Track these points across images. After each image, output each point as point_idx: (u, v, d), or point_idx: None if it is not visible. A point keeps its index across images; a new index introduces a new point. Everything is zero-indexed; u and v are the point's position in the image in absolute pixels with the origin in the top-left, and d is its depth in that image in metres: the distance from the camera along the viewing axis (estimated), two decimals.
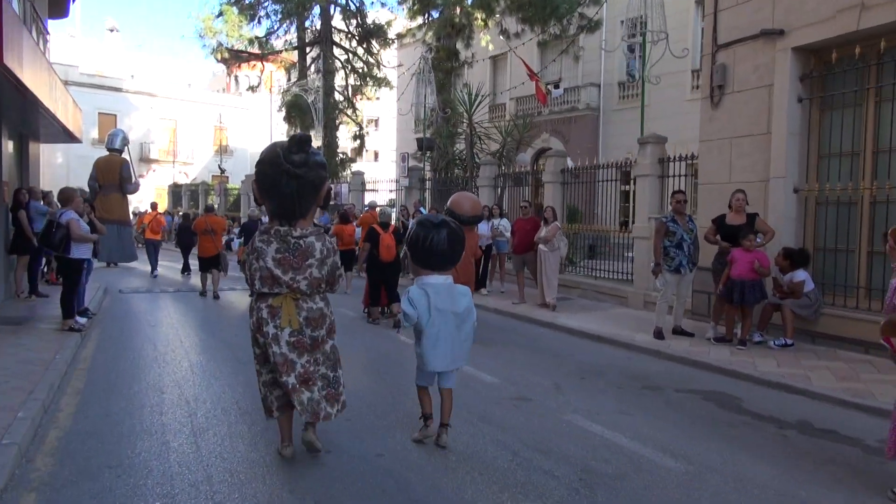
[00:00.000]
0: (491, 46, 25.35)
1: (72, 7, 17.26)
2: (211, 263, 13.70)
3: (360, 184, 21.15)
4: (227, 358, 7.78)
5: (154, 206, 20.43)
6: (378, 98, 30.74)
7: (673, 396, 6.51)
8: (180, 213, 30.12)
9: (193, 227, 14.63)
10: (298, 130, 27.37)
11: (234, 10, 25.22)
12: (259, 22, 26.54)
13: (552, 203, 13.41)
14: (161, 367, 7.36)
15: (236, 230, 21.88)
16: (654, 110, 25.18)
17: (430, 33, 23.62)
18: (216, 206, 32.59)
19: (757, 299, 8.17)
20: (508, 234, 13.78)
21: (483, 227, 13.46)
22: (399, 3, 23.90)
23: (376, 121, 46.45)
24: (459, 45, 22.74)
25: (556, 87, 28.45)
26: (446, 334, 4.56)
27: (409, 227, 4.75)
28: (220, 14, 25.09)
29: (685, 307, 9.23)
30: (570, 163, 21.71)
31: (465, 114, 19.94)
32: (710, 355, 7.92)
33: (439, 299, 4.53)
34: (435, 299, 4.51)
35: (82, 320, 9.41)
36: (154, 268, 17.64)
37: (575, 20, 21.78)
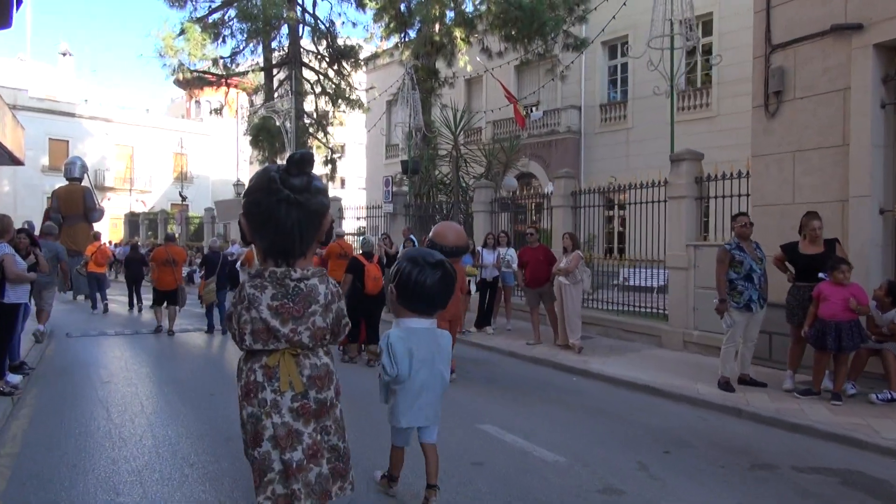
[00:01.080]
0: (469, 68, 23.96)
1: (18, 18, 15.26)
2: (169, 298, 12.17)
3: (337, 210, 19.33)
4: (202, 432, 5.92)
5: (97, 236, 18.26)
6: (344, 124, 29.05)
7: (800, 480, 4.89)
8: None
9: (152, 257, 12.90)
10: (266, 155, 25.51)
11: (197, 28, 23.37)
12: (223, 41, 24.75)
13: (564, 229, 11.87)
14: (117, 447, 5.47)
15: (198, 260, 19.92)
16: (639, 132, 24.09)
17: (408, 53, 22.15)
18: (176, 235, 30.41)
19: (856, 344, 6.64)
20: (515, 266, 12.17)
21: (488, 258, 11.84)
22: (374, 21, 22.39)
23: (342, 146, 44.69)
24: (440, 64, 21.27)
25: (535, 109, 27.18)
26: (430, 386, 3.99)
27: (399, 261, 4.04)
28: (182, 32, 23.20)
29: (753, 351, 7.67)
30: (551, 187, 20.38)
31: (450, 135, 18.36)
32: (806, 415, 6.34)
33: (422, 347, 3.94)
34: (418, 348, 3.90)
35: (15, 379, 7.46)
36: (95, 303, 15.68)
37: (560, 38, 20.50)
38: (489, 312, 11.94)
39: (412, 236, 14.10)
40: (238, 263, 18.22)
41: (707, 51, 22.33)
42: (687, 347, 9.54)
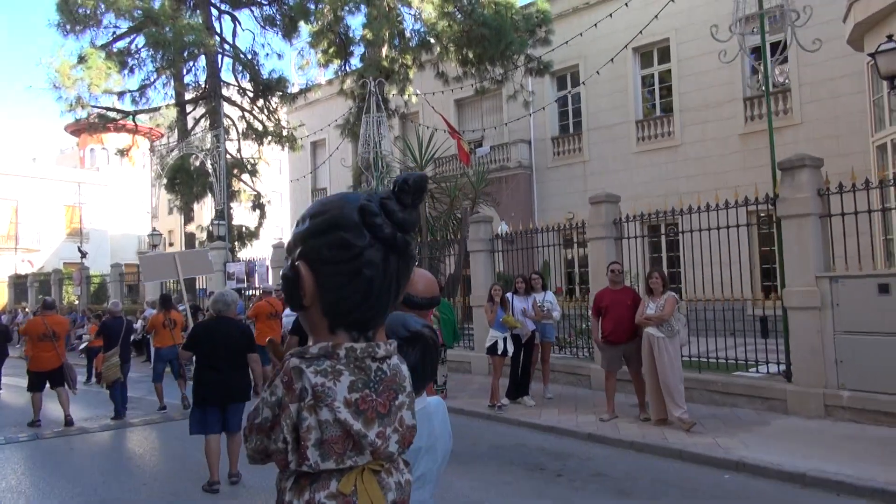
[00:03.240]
0: (414, 98, 21.40)
1: None
2: (52, 379, 9.31)
3: (284, 259, 16.02)
4: None
5: None
6: (269, 164, 25.71)
7: None
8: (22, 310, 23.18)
9: (23, 330, 9.93)
10: (185, 201, 21.79)
11: (100, 55, 19.67)
12: (131, 72, 21.09)
13: (604, 265, 9.30)
14: None
15: (82, 330, 16.04)
16: (595, 165, 22.16)
17: (349, 82, 19.40)
18: (74, 298, 25.77)
19: None
20: (557, 314, 9.43)
21: (519, 307, 9.04)
22: (312, 47, 19.44)
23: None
24: (389, 94, 18.59)
25: (480, 145, 24.85)
26: (432, 475, 2.39)
27: None
28: (82, 60, 19.42)
29: None
30: (504, 227, 18.27)
31: (416, 166, 15.61)
32: None
33: (422, 433, 2.18)
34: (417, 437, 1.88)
35: None
36: None
37: (522, 62, 18.33)
38: (525, 377, 9.10)
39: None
40: (139, 333, 14.66)
41: (665, 78, 20.82)
42: (831, 414, 7.06)
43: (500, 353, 8.72)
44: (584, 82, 18.42)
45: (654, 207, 10.16)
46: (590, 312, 8.31)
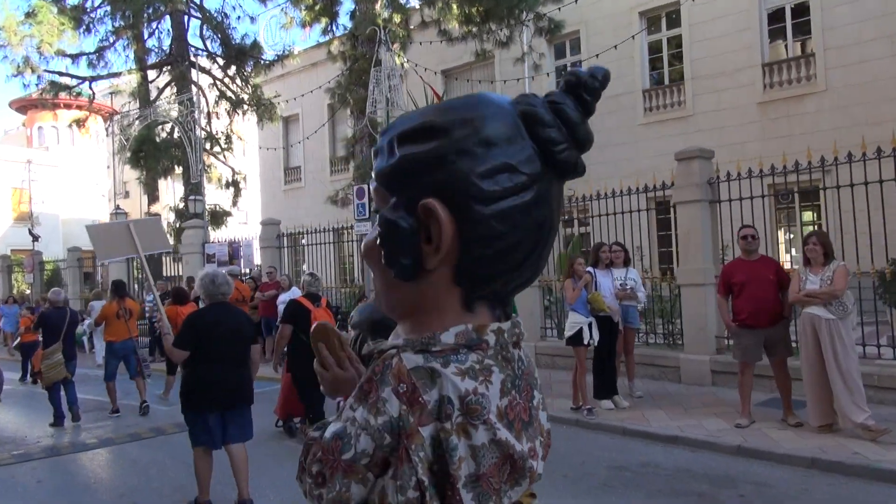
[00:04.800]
0: (406, 65, 19.29)
1: None
2: None
3: (275, 238, 13.80)
4: None
5: None
6: (243, 140, 23.30)
7: None
8: None
9: None
10: (151, 177, 19.29)
11: (52, 10, 17.01)
12: (88, 31, 18.41)
13: (695, 233, 7.55)
14: None
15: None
16: (598, 137, 19.61)
17: (337, 44, 17.24)
18: (26, 287, 23.01)
19: None
20: (643, 295, 7.64)
21: (606, 284, 7.22)
22: (294, 5, 17.13)
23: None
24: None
25: None
26: None
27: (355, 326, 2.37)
28: (32, 14, 16.73)
29: None
30: None
31: None
32: None
33: None
34: None
35: None
36: None
37: (532, 23, 16.44)
38: (613, 371, 7.27)
39: None
40: (87, 325, 12.69)
41: (677, 44, 19.22)
42: None
43: (585, 342, 6.87)
44: (598, 55, 16.64)
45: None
46: (716, 290, 6.47)
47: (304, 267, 14.65)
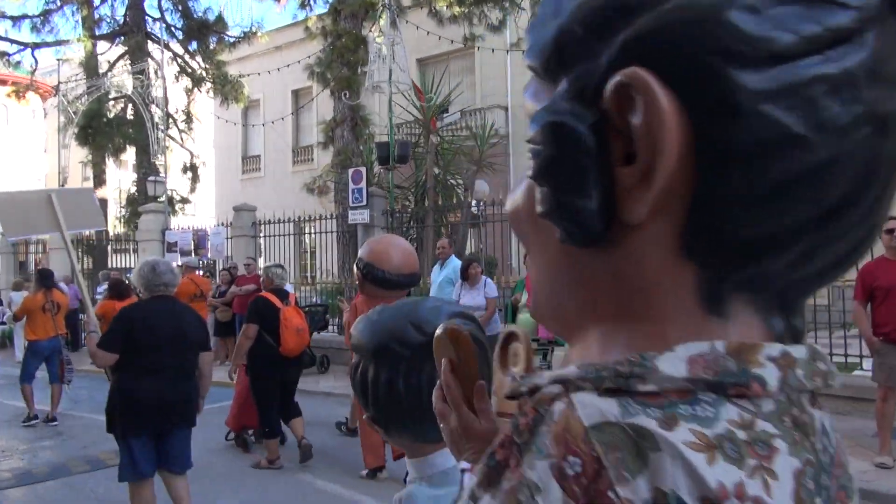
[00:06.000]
0: (384, 49, 17.90)
1: None
2: None
3: (250, 226, 12.12)
4: None
5: None
6: (201, 122, 21.43)
7: None
8: None
9: None
10: (97, 155, 17.24)
11: None
12: None
13: None
14: None
15: None
16: None
17: (314, 20, 15.75)
18: None
19: None
20: None
21: None
22: None
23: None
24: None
25: (446, 111, 21.62)
26: None
27: (358, 351, 1.24)
28: None
29: None
30: (483, 187, 14.82)
31: (423, 117, 12.27)
32: None
33: None
34: None
35: None
36: None
37: (528, 6, 15.29)
38: None
39: (452, 258, 7.80)
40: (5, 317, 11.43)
41: None
42: None
43: None
44: None
45: None
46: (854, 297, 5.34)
47: (261, 261, 13.15)
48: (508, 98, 20.93)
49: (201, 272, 11.60)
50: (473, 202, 12.95)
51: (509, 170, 20.59)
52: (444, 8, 15.56)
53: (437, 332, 0.84)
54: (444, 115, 21.03)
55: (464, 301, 7.08)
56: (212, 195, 27.49)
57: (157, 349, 3.79)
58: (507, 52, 17.17)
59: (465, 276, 7.13)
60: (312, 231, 11.90)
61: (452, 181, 13.02)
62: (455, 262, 7.65)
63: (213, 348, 12.02)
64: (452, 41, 18.40)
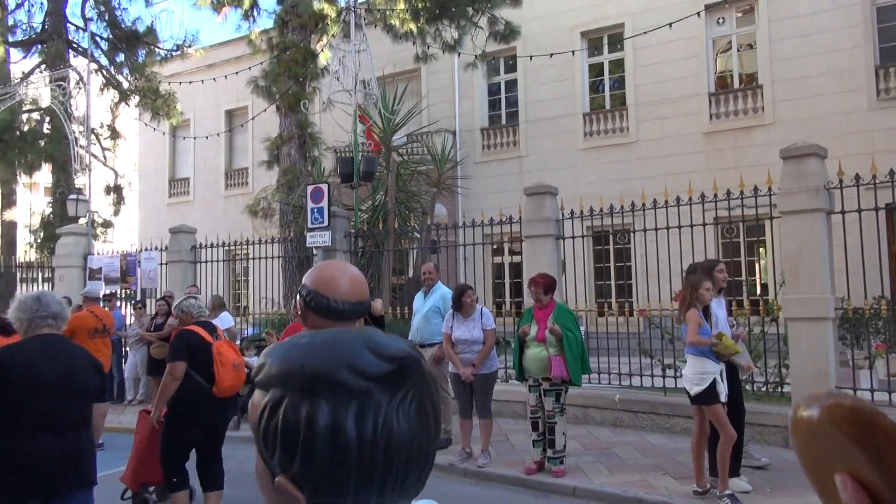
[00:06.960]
0: (329, 65, 16.87)
1: None
2: None
3: (188, 250, 10.64)
4: None
5: None
6: (126, 139, 19.74)
7: None
8: None
9: None
10: (7, 171, 15.33)
11: None
12: None
13: (805, 248, 5.81)
14: None
15: None
16: (534, 161, 18.88)
17: (256, 33, 14.61)
18: None
19: None
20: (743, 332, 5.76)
21: (722, 318, 5.28)
22: None
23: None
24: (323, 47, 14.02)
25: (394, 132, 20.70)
26: None
27: (264, 383, 0.77)
28: None
29: None
30: (441, 211, 14.45)
31: (382, 134, 11.26)
32: None
33: None
34: None
35: None
36: None
37: (485, 25, 14.67)
38: (739, 449, 5.22)
39: (439, 285, 6.78)
40: None
41: (621, 68, 18.29)
42: None
43: (722, 399, 4.81)
44: (569, 56, 15.07)
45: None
46: None
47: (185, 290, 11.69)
48: (457, 122, 20.20)
49: (133, 302, 10.09)
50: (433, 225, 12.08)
51: (457, 192, 19.80)
52: (398, 24, 14.70)
53: (812, 409, 0.53)
54: (393, 137, 20.10)
55: (457, 334, 6.08)
56: (134, 220, 25.47)
57: (39, 399, 3.09)
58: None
59: (459, 305, 6.13)
60: (257, 256, 10.64)
61: (409, 203, 12.03)
62: (443, 290, 6.65)
63: (143, 388, 10.54)
64: (395, 64, 17.64)
